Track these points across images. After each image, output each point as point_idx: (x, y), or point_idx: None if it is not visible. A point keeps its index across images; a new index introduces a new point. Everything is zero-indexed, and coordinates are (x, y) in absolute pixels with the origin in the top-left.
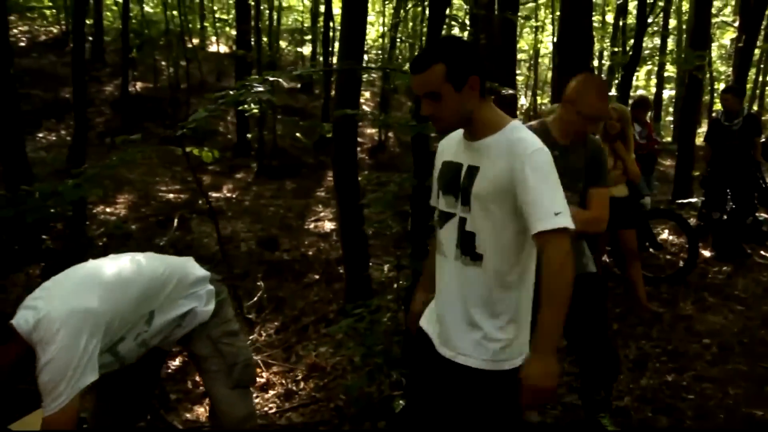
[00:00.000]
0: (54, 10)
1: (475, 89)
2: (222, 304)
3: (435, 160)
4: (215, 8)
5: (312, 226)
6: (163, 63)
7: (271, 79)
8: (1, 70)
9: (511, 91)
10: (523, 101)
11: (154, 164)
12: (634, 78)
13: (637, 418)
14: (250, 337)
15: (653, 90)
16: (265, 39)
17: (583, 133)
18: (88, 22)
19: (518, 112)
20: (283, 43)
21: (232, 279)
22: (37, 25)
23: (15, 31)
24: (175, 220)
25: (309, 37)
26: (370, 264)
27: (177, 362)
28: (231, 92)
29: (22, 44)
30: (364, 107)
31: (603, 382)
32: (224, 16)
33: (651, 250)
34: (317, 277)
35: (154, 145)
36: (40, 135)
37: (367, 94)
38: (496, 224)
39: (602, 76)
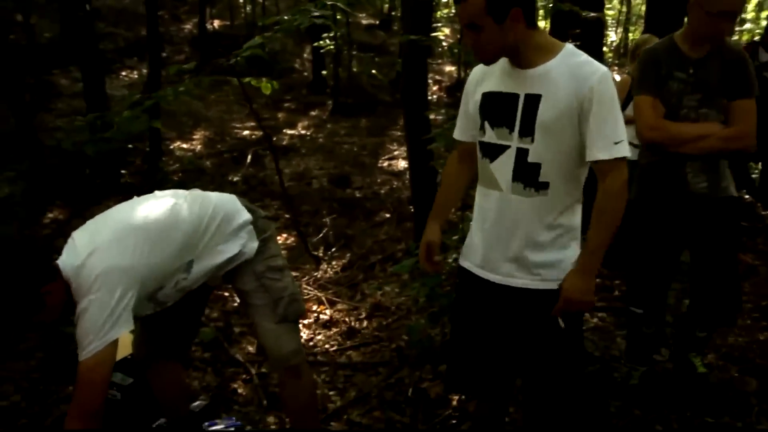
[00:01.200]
0: None
1: (518, 21)
2: (267, 241)
3: (466, 92)
4: None
5: (385, 164)
6: (241, 0)
7: (329, 2)
8: (79, 9)
9: (593, 14)
10: (613, 37)
11: (230, 101)
12: None
13: (721, 377)
14: (315, 274)
15: None
16: None
17: (719, 38)
18: None
19: (606, 48)
20: None
21: (298, 216)
22: None
23: None
24: (249, 157)
25: None
26: None
27: None
28: (286, 17)
29: None
30: (443, 44)
31: (715, 320)
32: None
33: (747, 196)
34: (388, 215)
35: (208, 76)
36: (123, 74)
37: (447, 30)
38: (563, 152)
39: None
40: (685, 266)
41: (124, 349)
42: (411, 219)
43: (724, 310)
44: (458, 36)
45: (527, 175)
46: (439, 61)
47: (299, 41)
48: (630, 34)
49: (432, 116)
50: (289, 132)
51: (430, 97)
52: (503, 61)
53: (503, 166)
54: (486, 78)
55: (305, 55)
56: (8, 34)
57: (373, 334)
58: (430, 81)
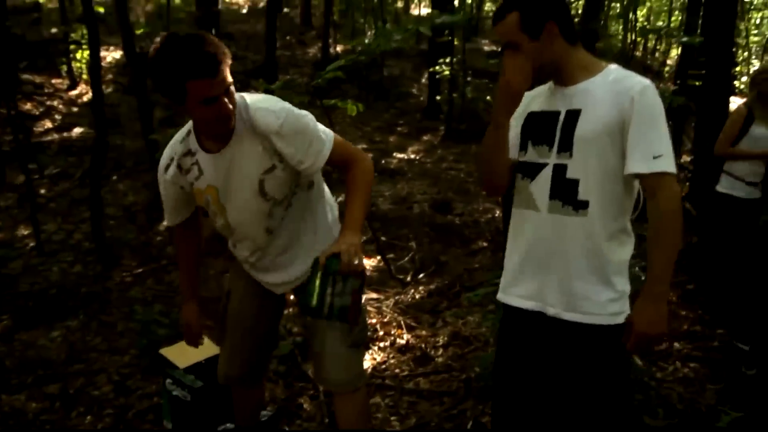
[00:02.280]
0: None
1: (555, 36)
2: None
3: (516, 113)
4: None
5: None
6: (365, 25)
7: (409, 27)
8: (210, 30)
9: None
10: (757, 66)
11: (346, 123)
12: None
13: None
14: (397, 297)
15: None
16: (469, 1)
17: None
18: None
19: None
20: (488, 5)
21: (393, 239)
22: None
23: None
24: None
25: None
26: None
27: None
28: (366, 41)
29: (244, 11)
30: None
31: (755, 332)
32: None
33: None
34: (485, 244)
35: (297, 94)
36: (251, 91)
37: None
38: (603, 167)
39: None
40: None
41: (197, 354)
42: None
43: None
44: None
45: (565, 191)
46: None
47: (417, 67)
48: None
49: None
50: (399, 155)
51: None
52: (550, 83)
53: (542, 185)
54: (532, 101)
55: (423, 80)
56: None
57: (446, 363)
58: None
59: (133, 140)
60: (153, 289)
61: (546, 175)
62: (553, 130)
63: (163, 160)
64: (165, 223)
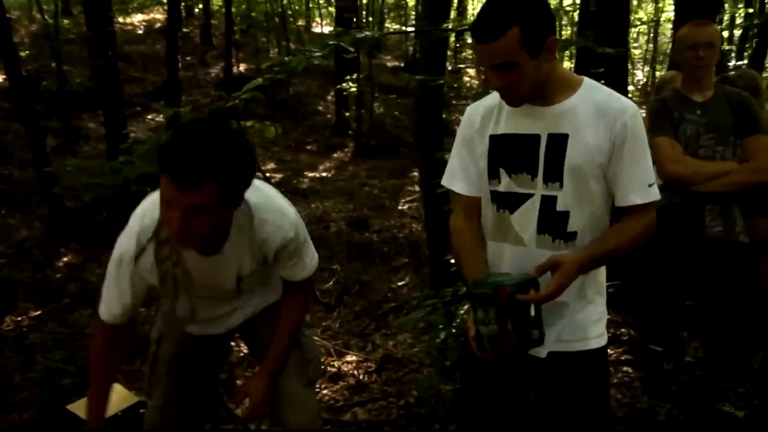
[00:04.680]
0: None
1: (553, 51)
2: None
3: (465, 138)
4: None
5: (405, 207)
6: (268, 44)
7: (331, 43)
8: (105, 55)
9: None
10: (640, 75)
11: (255, 143)
12: None
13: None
14: (323, 323)
15: None
16: (370, 18)
17: (703, 68)
18: (199, 7)
19: (633, 86)
20: (387, 23)
21: None
22: (153, 14)
23: (134, 19)
24: None
25: (413, 14)
26: None
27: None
28: (285, 59)
29: (140, 31)
30: (469, 85)
31: (728, 369)
32: None
33: None
34: (406, 260)
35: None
36: (149, 117)
37: (471, 72)
38: (591, 196)
39: (732, 47)
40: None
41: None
42: (428, 264)
43: (734, 359)
44: (482, 77)
45: (555, 225)
46: (464, 101)
47: (324, 84)
48: (657, 72)
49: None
50: (311, 174)
51: (452, 137)
52: (497, 100)
53: (526, 217)
54: (491, 119)
55: (329, 97)
56: (41, 81)
57: (381, 389)
58: (453, 120)
59: (22, 170)
60: (54, 333)
61: (531, 207)
62: (534, 156)
63: (130, 247)
64: (102, 316)
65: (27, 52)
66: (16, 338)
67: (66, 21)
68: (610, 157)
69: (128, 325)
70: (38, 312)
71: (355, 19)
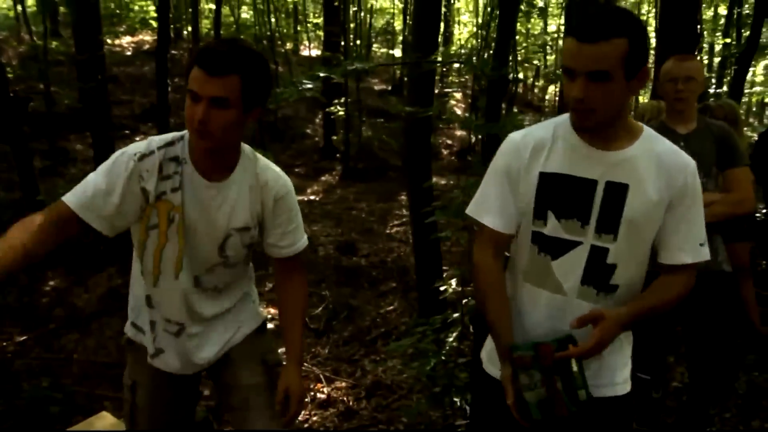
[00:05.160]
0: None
1: (643, 81)
2: (266, 325)
3: (509, 169)
4: (309, 12)
5: (394, 230)
6: None
7: (322, 75)
8: (94, 78)
9: None
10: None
11: None
12: (750, 72)
13: None
14: (312, 350)
15: None
16: (358, 42)
17: (684, 101)
18: (188, 30)
19: None
20: (375, 46)
21: None
22: (142, 35)
23: (122, 41)
24: None
25: (401, 38)
26: (444, 276)
27: None
28: (277, 90)
29: (128, 53)
30: (456, 109)
31: (714, 395)
32: (317, 20)
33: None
34: (394, 284)
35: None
36: (138, 138)
37: (458, 96)
38: (644, 251)
39: (712, 74)
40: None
41: None
42: (417, 289)
43: (720, 385)
44: (469, 101)
45: (601, 278)
46: (450, 125)
47: (311, 107)
48: (641, 98)
49: (443, 181)
50: (299, 197)
51: (440, 161)
52: (570, 136)
53: (570, 266)
54: (541, 154)
55: (317, 120)
56: (29, 102)
57: (371, 416)
58: (440, 143)
59: (8, 192)
60: (41, 359)
61: (578, 256)
62: (588, 203)
63: (138, 147)
64: (65, 199)
65: (15, 73)
66: (1, 365)
67: (55, 43)
68: (665, 213)
69: (76, 227)
70: (24, 337)
71: (342, 43)
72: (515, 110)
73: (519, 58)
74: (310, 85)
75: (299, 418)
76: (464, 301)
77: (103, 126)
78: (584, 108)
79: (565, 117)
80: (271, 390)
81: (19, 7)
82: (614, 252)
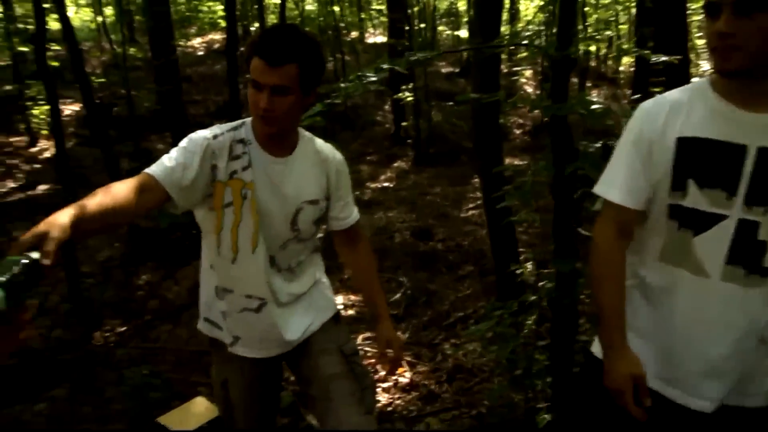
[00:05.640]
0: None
1: None
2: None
3: (640, 136)
4: None
5: (469, 213)
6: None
7: (385, 67)
8: (170, 80)
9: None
10: (706, 66)
11: None
12: None
13: None
14: None
15: None
16: (422, 25)
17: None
18: (255, 26)
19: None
20: (440, 28)
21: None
22: (212, 35)
23: (193, 41)
24: None
25: (465, 19)
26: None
27: None
28: (342, 85)
29: (200, 53)
30: (526, 87)
31: None
32: (381, 6)
33: None
34: (471, 268)
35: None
36: None
37: (528, 73)
38: None
39: None
40: None
41: (197, 419)
42: (494, 272)
43: None
44: (539, 78)
45: (751, 257)
46: (520, 106)
47: (380, 94)
48: None
49: (516, 161)
50: (372, 185)
51: (512, 141)
52: (712, 99)
53: (714, 243)
54: (678, 118)
55: (386, 107)
56: (113, 107)
57: (453, 399)
58: (511, 123)
59: None
60: (139, 348)
61: (724, 231)
62: (736, 171)
63: (211, 130)
64: (148, 170)
65: (99, 80)
66: (106, 354)
67: (133, 49)
68: None
69: (155, 198)
70: (123, 328)
71: (407, 28)
72: (588, 84)
73: (589, 31)
74: (374, 78)
75: (383, 401)
76: (540, 284)
77: (181, 125)
78: (728, 48)
79: (703, 80)
80: (351, 378)
81: (99, 18)
82: (766, 226)
